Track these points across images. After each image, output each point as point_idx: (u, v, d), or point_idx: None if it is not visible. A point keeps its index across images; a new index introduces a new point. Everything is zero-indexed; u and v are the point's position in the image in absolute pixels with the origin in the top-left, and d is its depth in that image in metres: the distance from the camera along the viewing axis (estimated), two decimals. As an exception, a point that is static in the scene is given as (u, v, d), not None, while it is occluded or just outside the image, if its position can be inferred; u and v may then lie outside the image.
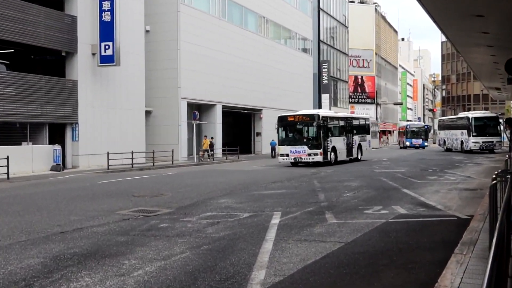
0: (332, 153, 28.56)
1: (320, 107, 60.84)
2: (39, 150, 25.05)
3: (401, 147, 60.32)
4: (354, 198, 13.42)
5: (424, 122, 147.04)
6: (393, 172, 22.38)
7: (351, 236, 8.48)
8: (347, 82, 75.65)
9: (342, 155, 29.93)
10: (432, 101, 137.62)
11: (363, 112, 79.58)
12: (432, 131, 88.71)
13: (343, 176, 20.75)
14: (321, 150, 27.13)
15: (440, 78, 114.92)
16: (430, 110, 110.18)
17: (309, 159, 27.21)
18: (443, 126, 51.29)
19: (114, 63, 27.77)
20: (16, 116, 24.19)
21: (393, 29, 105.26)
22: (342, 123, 31.36)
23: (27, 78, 25.04)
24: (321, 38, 64.05)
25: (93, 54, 27.81)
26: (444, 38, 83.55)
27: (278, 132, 28.50)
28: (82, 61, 27.28)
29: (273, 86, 48.47)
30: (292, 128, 28.73)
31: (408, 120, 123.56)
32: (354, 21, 78.56)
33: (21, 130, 25.02)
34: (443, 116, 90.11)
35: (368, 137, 35.28)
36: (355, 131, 32.51)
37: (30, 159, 24.48)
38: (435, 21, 15.73)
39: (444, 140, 49.77)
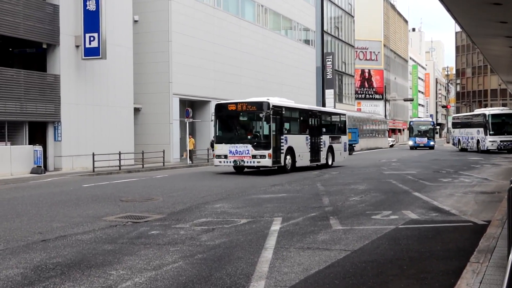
0: (288, 156, 24.38)
1: (324, 103, 60.94)
2: (18, 151, 25.03)
3: (411, 148, 57.25)
4: (361, 203, 13.44)
5: (436, 119, 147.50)
6: (404, 174, 22.41)
7: (358, 244, 8.49)
8: (353, 76, 75.74)
9: (303, 159, 25.77)
10: (445, 96, 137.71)
11: (371, 109, 79.82)
12: (445, 130, 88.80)
13: (349, 178, 20.77)
14: (270, 151, 22.82)
15: (454, 71, 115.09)
16: (443, 106, 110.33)
17: (254, 162, 23.17)
18: (458, 124, 51.44)
19: (100, 56, 27.74)
20: (-7, 114, 24.21)
21: (403, 19, 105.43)
22: (305, 117, 26.80)
23: (4, 72, 25.01)
24: (325, 28, 64.10)
25: (77, 47, 27.79)
26: (458, 29, 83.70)
27: (215, 125, 24.76)
28: (65, 54, 27.26)
29: (272, 81, 48.49)
30: (233, 121, 24.75)
31: (419, 118, 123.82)
32: (360, 10, 78.69)
33: (-2, 129, 25.14)
34: (457, 113, 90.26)
35: (344, 138, 30.81)
36: (324, 130, 28.33)
37: (9, 160, 24.46)
38: (448, 10, 15.75)
39: (459, 139, 49.88)
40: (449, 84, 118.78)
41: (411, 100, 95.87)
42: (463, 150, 47.80)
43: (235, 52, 42.47)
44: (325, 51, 63.39)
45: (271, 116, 22.94)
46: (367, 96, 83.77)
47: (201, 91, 38.10)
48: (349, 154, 45.79)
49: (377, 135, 67.56)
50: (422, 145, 54.97)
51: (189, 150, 33.30)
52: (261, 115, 23.09)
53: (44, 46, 26.76)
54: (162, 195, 15.56)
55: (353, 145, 48.25)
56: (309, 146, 26.33)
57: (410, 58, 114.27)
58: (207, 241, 8.88)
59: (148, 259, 7.62)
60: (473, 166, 26.80)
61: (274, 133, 23.20)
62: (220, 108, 24.67)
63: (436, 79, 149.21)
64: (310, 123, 27.15)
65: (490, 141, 41.59)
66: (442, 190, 16.04)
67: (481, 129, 43.08)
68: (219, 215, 11.70)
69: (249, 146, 23.15)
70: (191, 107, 36.47)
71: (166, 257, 7.76)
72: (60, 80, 27.00)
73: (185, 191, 16.83)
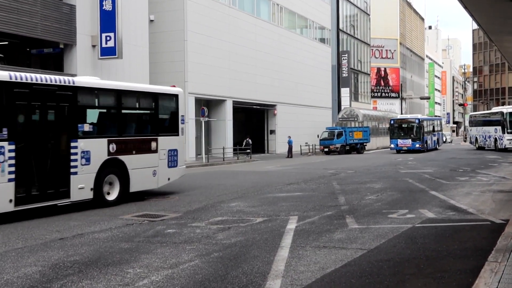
0: None
1: (339, 102, 60.81)
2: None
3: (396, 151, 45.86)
4: (377, 201, 13.39)
5: (453, 117, 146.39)
6: (420, 172, 22.28)
7: (374, 243, 8.47)
8: (369, 74, 75.41)
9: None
10: (462, 94, 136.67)
11: (388, 107, 79.45)
12: (462, 128, 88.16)
13: (365, 177, 20.70)
14: None
15: (471, 69, 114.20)
16: (460, 104, 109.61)
17: None
18: (475, 122, 50.97)
19: (116, 56, 27.88)
20: (11, 113, 24.29)
21: (419, 16, 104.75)
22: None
23: (22, 72, 25.17)
24: (341, 27, 63.88)
25: (93, 46, 27.96)
26: (475, 26, 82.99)
27: None
28: (82, 53, 27.43)
29: (288, 79, 48.46)
30: None
31: (436, 116, 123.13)
32: (376, 8, 78.28)
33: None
34: (474, 111, 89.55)
35: (176, 140, 15.92)
36: (135, 122, 15.56)
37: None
38: (465, 7, 15.62)
39: (476, 138, 49.46)
40: (466, 82, 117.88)
41: (428, 98, 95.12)
42: (480, 148, 47.37)
43: (251, 51, 42.48)
44: (340, 49, 63.16)
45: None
46: (383, 94, 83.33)
47: (216, 90, 38.15)
48: (360, 152, 45.85)
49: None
50: (406, 148, 44.43)
51: None
52: None
53: (61, 46, 26.95)
54: (178, 194, 15.62)
55: (364, 144, 48.14)
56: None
57: (427, 56, 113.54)
58: (223, 239, 8.90)
59: (164, 258, 7.66)
60: (490, 165, 26.57)
61: None
62: None
63: (453, 77, 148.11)
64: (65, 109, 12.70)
65: (508, 139, 41.15)
66: (459, 189, 15.93)
67: (499, 127, 42.65)
68: (234, 213, 11.72)
69: None
70: (206, 106, 36.53)
71: (182, 255, 7.79)
72: (77, 79, 27.10)
73: (201, 190, 16.87)
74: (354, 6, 69.14)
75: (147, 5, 32.29)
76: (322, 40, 57.64)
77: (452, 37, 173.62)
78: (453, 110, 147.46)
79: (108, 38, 27.71)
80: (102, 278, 6.66)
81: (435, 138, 50.09)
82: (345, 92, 61.88)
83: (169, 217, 11.38)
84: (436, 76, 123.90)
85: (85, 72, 27.45)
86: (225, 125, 39.54)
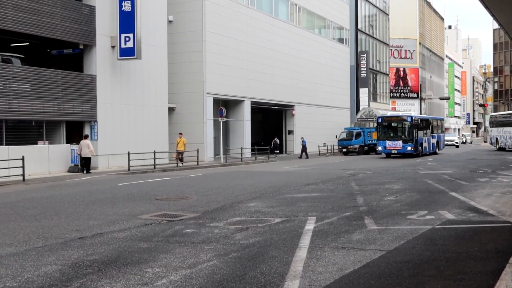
0: None
1: (358, 102, 60.53)
2: (56, 150, 25.49)
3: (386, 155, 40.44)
4: (396, 202, 13.31)
5: (473, 118, 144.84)
6: (439, 173, 22.11)
7: (393, 244, 8.41)
8: (387, 75, 75.00)
9: None
10: (482, 95, 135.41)
11: (407, 108, 78.92)
12: (482, 129, 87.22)
13: (383, 178, 20.59)
14: None
15: (491, 69, 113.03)
16: (480, 105, 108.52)
17: None
18: (495, 123, 50.50)
19: (135, 56, 28.05)
20: (32, 113, 24.65)
21: (439, 16, 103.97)
22: None
23: (42, 73, 25.49)
24: (359, 27, 63.63)
25: (113, 47, 28.16)
26: (496, 25, 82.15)
27: None
28: (101, 54, 27.64)
29: (306, 80, 48.39)
30: None
31: (455, 117, 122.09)
32: (395, 8, 77.87)
33: (36, 128, 25.49)
34: (495, 111, 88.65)
35: None
36: None
37: (47, 159, 24.93)
38: (486, 6, 15.48)
39: (497, 138, 49.00)
40: (487, 82, 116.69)
41: (447, 98, 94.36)
42: (501, 149, 46.91)
43: (269, 51, 42.49)
44: (359, 49, 62.93)
45: None
46: (402, 95, 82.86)
47: (234, 90, 38.22)
48: (377, 153, 44.98)
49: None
50: (395, 151, 38.50)
51: (178, 151, 30.68)
52: None
53: (81, 46, 27.19)
54: (196, 194, 15.67)
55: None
56: None
57: (446, 56, 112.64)
58: (241, 240, 8.91)
59: (183, 257, 7.69)
60: (511, 166, 26.29)
61: None
62: None
63: (473, 77, 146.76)
64: None
65: (529, 140, 40.75)
66: (480, 190, 15.77)
67: (520, 128, 42.26)
68: (253, 214, 11.73)
69: None
70: (224, 106, 36.62)
71: (200, 255, 7.81)
72: (96, 80, 27.40)
73: (219, 190, 16.90)
74: (373, 6, 68.82)
75: (166, 6, 32.46)
76: (341, 40, 57.45)
77: (472, 37, 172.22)
78: (473, 111, 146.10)
79: (127, 39, 27.90)
80: (121, 277, 6.70)
81: (433, 141, 43.14)
82: (363, 92, 61.63)
83: (187, 217, 11.42)
84: (456, 76, 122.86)
85: (104, 72, 27.71)
86: (243, 125, 39.59)
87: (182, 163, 30.24)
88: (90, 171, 25.36)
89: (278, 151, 36.65)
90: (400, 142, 37.83)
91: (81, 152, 25.19)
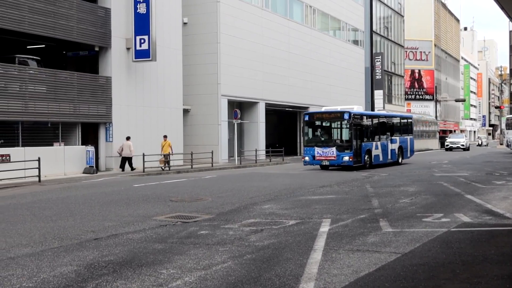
0: None
1: (372, 104, 60.31)
2: (71, 151, 25.66)
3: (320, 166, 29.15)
4: (412, 205, 13.24)
5: (489, 120, 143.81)
6: (455, 176, 21.96)
7: (409, 247, 8.37)
8: (403, 76, 74.66)
9: None
10: (499, 97, 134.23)
11: (422, 110, 78.49)
12: (498, 131, 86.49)
13: (398, 180, 20.49)
14: None
15: (508, 71, 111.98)
16: (496, 107, 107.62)
17: None
18: (512, 125, 50.04)
19: (150, 58, 28.18)
20: (48, 115, 24.85)
21: (455, 18, 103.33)
22: None
23: (58, 74, 25.68)
24: (374, 28, 63.43)
25: (128, 49, 28.31)
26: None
27: None
28: (116, 56, 27.80)
29: (320, 81, 48.28)
30: None
31: (471, 119, 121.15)
32: (410, 10, 77.51)
33: (52, 130, 25.68)
34: (511, 114, 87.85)
35: None
36: None
37: (62, 160, 25.11)
38: (502, 8, 15.37)
39: (513, 141, 48.55)
40: (503, 84, 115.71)
41: (463, 100, 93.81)
42: (518, 152, 46.51)
43: (283, 53, 42.47)
44: (374, 51, 62.73)
45: None
46: (417, 96, 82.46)
47: (249, 92, 38.24)
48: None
49: (427, 137, 66.27)
50: (327, 162, 27.25)
51: (164, 155, 28.53)
52: None
53: (96, 48, 27.37)
54: (211, 196, 15.69)
55: None
56: None
57: (462, 57, 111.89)
58: (255, 241, 8.91)
59: (197, 259, 7.70)
60: (528, 169, 26.05)
61: None
62: None
63: (489, 79, 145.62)
64: None
65: (546, 142, 40.34)
66: (496, 193, 15.64)
67: (537, 131, 41.85)
68: (267, 216, 11.72)
69: None
70: (239, 108, 36.65)
71: (215, 257, 7.82)
72: (112, 82, 27.55)
73: (234, 191, 16.92)
74: (388, 8, 68.58)
75: (180, 8, 32.58)
76: (356, 42, 57.29)
77: (488, 39, 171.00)
78: (489, 113, 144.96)
79: (142, 41, 28.04)
80: (136, 278, 6.72)
81: (393, 147, 31.35)
82: (378, 94, 61.42)
83: (202, 219, 11.44)
84: (471, 78, 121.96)
85: (119, 74, 27.87)
86: (257, 127, 39.59)
87: (169, 167, 28.39)
88: (134, 168, 27.15)
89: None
90: (334, 149, 26.98)
91: (122, 152, 26.86)
